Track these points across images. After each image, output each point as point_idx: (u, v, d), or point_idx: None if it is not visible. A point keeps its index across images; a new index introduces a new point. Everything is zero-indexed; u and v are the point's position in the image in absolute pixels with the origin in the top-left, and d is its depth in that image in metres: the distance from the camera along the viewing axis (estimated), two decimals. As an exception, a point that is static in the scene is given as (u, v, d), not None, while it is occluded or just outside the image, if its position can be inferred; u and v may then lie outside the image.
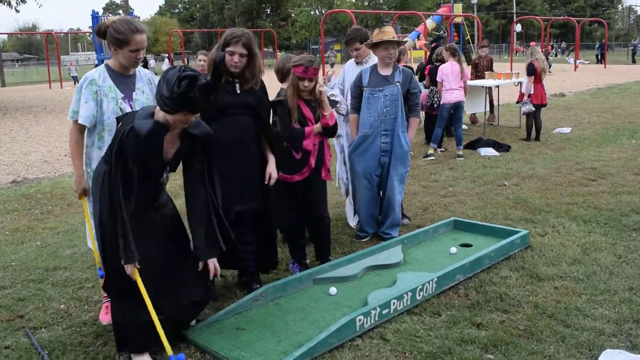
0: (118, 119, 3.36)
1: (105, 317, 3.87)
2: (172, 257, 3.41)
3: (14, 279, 4.74)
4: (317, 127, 4.45)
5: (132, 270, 3.13)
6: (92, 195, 3.47)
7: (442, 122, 9.26)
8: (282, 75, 4.80)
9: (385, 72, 5.21)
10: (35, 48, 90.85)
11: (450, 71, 9.11)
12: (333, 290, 4.18)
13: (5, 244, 5.65)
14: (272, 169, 4.14)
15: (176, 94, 2.96)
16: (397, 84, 5.15)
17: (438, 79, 9.21)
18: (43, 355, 3.47)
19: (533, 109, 10.18)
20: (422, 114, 10.08)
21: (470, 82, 11.73)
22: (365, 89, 5.20)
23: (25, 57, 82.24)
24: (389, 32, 5.18)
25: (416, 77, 5.36)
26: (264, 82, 4.20)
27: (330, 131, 4.54)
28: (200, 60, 7.53)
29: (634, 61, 39.48)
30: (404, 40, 5.25)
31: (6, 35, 64.91)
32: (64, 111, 18.43)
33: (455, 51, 9.38)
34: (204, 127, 3.32)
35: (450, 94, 9.11)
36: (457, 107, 9.18)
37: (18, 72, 55.91)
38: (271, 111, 4.37)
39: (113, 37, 3.59)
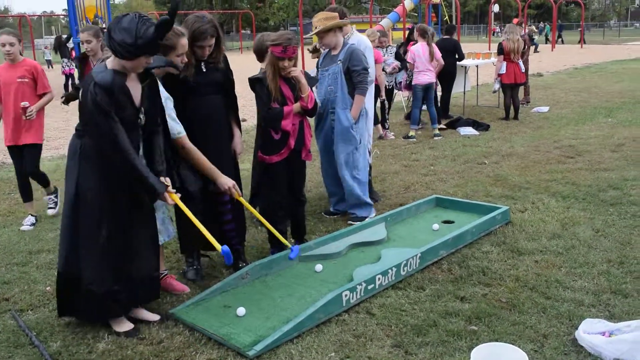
0: (77, 87, 3.38)
1: (178, 286, 4.03)
2: (139, 233, 3.51)
3: (-2, 262, 4.72)
4: (297, 107, 4.34)
5: (170, 196, 3.32)
6: (71, 170, 3.39)
7: (418, 103, 9.32)
8: (260, 55, 4.72)
9: (335, 52, 5.24)
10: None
11: (422, 52, 9.15)
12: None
13: (-13, 228, 5.60)
14: (236, 144, 4.30)
15: (142, 41, 3.08)
16: (339, 62, 5.16)
17: (409, 59, 9.21)
18: (31, 336, 3.47)
19: (496, 88, 10.47)
20: (410, 93, 10.12)
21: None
22: (319, 69, 5.34)
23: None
24: (314, 22, 5.18)
25: (365, 57, 5.22)
26: (226, 57, 4.23)
27: (309, 112, 4.48)
28: (84, 43, 5.43)
29: (579, 42, 39.88)
30: (321, 29, 5.08)
31: (-23, 19, 63.50)
32: (40, 95, 18.14)
33: (425, 32, 9.38)
34: (158, 59, 3.40)
35: (423, 75, 9.18)
36: (429, 87, 9.28)
37: (-9, 56, 54.78)
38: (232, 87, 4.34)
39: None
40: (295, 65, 4.32)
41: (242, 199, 3.93)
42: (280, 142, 4.37)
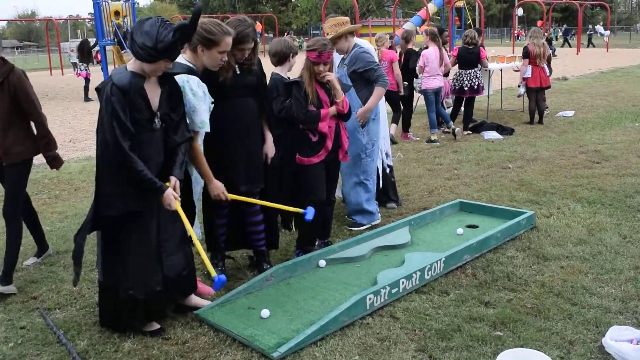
0: (98, 88, 3.35)
1: (204, 289, 4.03)
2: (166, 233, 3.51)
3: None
4: (333, 110, 4.42)
5: (172, 200, 3.30)
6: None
7: (432, 107, 9.30)
8: (277, 59, 4.62)
9: (346, 56, 5.23)
10: (35, 35, 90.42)
11: (434, 56, 9.11)
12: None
13: (15, 228, 5.68)
14: (268, 148, 4.27)
15: (162, 45, 3.12)
16: (345, 66, 5.17)
17: (421, 63, 9.15)
18: (59, 334, 3.53)
19: (521, 92, 10.37)
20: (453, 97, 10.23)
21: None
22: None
23: (25, 44, 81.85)
24: (325, 29, 5.18)
25: (371, 55, 5.17)
26: (260, 61, 4.25)
27: (344, 117, 4.53)
28: None
29: (589, 45, 39.43)
30: (330, 39, 5.02)
31: (5, 22, 64.63)
32: (66, 98, 18.42)
33: (435, 36, 9.32)
34: (178, 65, 3.46)
35: (434, 80, 9.17)
36: (437, 92, 9.27)
37: (18, 59, 55.64)
38: (266, 90, 4.33)
39: (203, 37, 3.63)
40: (330, 70, 4.40)
41: (231, 197, 3.89)
42: (318, 144, 4.44)
